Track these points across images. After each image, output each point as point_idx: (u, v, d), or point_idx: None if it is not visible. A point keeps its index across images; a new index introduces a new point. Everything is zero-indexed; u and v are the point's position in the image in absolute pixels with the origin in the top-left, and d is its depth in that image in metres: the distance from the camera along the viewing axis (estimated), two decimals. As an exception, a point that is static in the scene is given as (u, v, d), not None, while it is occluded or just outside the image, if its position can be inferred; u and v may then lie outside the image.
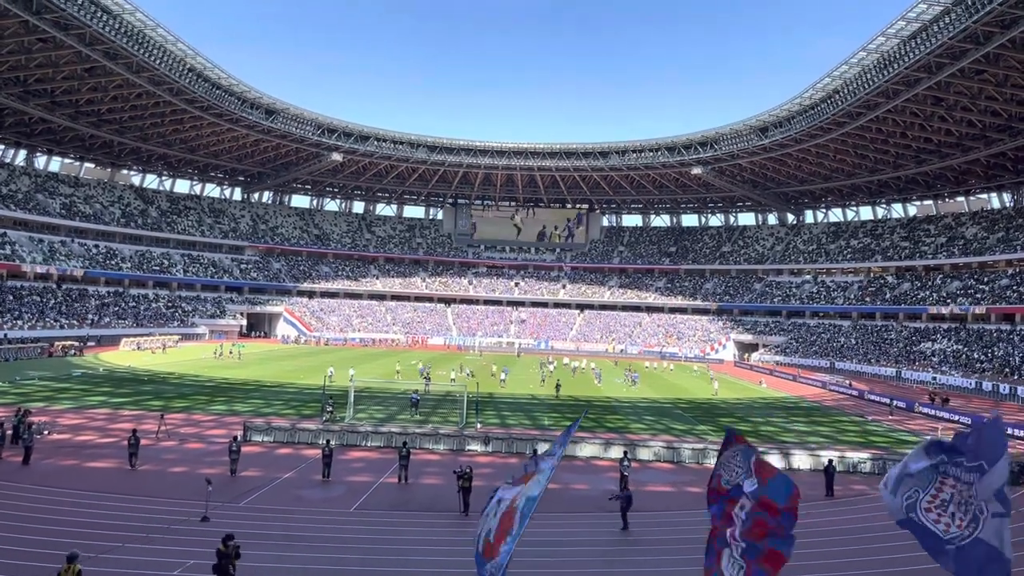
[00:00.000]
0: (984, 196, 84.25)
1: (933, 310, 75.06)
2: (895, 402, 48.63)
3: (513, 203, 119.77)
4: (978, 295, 71.85)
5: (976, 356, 63.52)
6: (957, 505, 6.55)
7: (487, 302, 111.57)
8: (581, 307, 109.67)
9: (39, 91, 69.51)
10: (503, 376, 54.79)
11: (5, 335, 60.61)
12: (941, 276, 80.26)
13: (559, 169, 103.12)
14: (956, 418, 41.19)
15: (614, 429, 34.77)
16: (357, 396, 36.79)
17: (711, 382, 57.53)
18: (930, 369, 64.09)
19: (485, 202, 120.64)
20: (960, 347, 67.25)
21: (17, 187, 78.96)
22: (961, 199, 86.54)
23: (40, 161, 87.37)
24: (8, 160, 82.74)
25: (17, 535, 15.92)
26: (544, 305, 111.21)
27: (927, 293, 78.32)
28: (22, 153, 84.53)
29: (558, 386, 49.02)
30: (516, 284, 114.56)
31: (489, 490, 21.03)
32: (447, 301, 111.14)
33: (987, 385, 55.66)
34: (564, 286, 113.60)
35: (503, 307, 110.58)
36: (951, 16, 49.36)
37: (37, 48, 60.04)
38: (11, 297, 68.69)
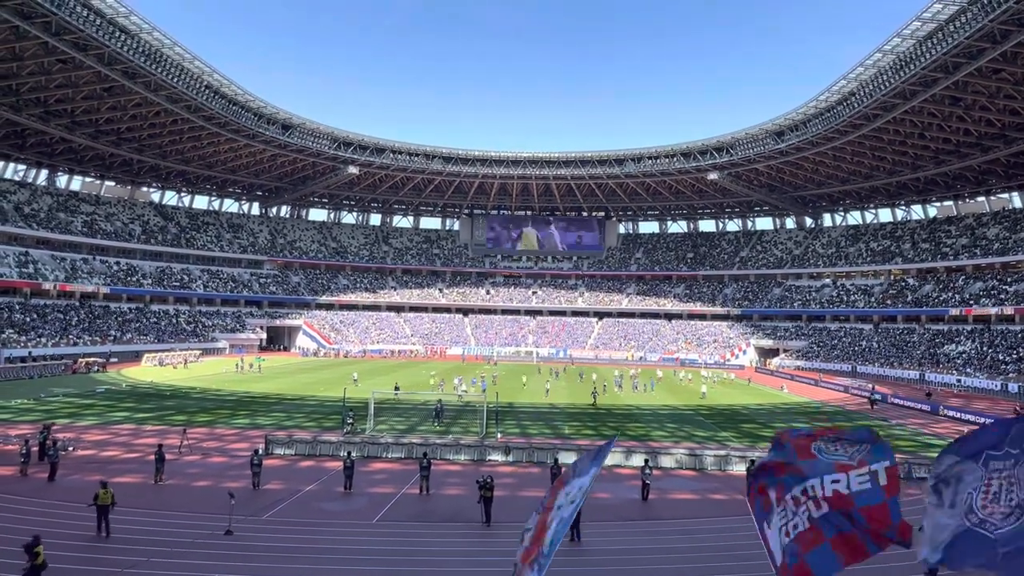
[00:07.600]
0: (1005, 196, 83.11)
1: (956, 312, 74.21)
2: (875, 395, 51.62)
3: (529, 212, 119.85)
4: (1002, 296, 70.89)
5: (1001, 357, 62.65)
6: (1005, 493, 6.35)
7: (505, 312, 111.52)
8: (599, 315, 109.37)
9: (59, 111, 70.50)
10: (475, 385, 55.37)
11: (30, 353, 61.46)
12: (964, 277, 79.28)
13: (575, 177, 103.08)
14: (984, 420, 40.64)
15: (635, 437, 34.59)
16: (377, 407, 36.87)
17: (701, 385, 58.05)
18: (954, 371, 63.30)
19: (501, 212, 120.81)
20: (985, 348, 66.36)
21: (39, 206, 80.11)
22: (982, 199, 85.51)
23: (62, 180, 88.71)
24: (30, 180, 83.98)
25: (44, 552, 16.01)
26: (562, 313, 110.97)
27: (950, 295, 77.39)
28: (44, 173, 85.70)
29: (594, 394, 49.41)
30: (534, 293, 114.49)
31: (511, 500, 21.12)
32: (465, 311, 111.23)
33: (1013, 387, 54.82)
34: (582, 294, 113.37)
35: (521, 316, 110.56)
36: (967, 15, 49.03)
37: (57, 69, 60.97)
38: (35, 315, 69.64)
